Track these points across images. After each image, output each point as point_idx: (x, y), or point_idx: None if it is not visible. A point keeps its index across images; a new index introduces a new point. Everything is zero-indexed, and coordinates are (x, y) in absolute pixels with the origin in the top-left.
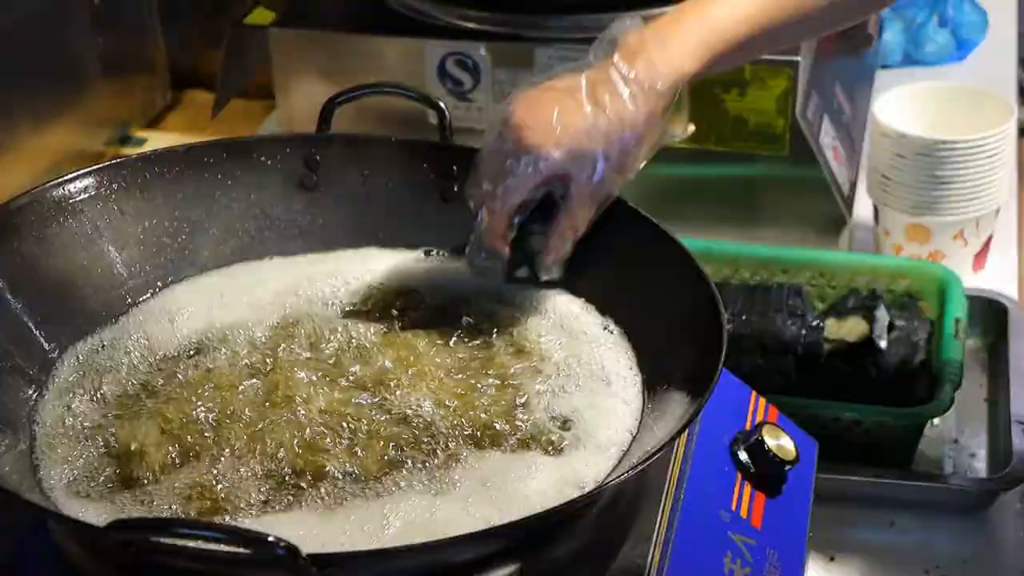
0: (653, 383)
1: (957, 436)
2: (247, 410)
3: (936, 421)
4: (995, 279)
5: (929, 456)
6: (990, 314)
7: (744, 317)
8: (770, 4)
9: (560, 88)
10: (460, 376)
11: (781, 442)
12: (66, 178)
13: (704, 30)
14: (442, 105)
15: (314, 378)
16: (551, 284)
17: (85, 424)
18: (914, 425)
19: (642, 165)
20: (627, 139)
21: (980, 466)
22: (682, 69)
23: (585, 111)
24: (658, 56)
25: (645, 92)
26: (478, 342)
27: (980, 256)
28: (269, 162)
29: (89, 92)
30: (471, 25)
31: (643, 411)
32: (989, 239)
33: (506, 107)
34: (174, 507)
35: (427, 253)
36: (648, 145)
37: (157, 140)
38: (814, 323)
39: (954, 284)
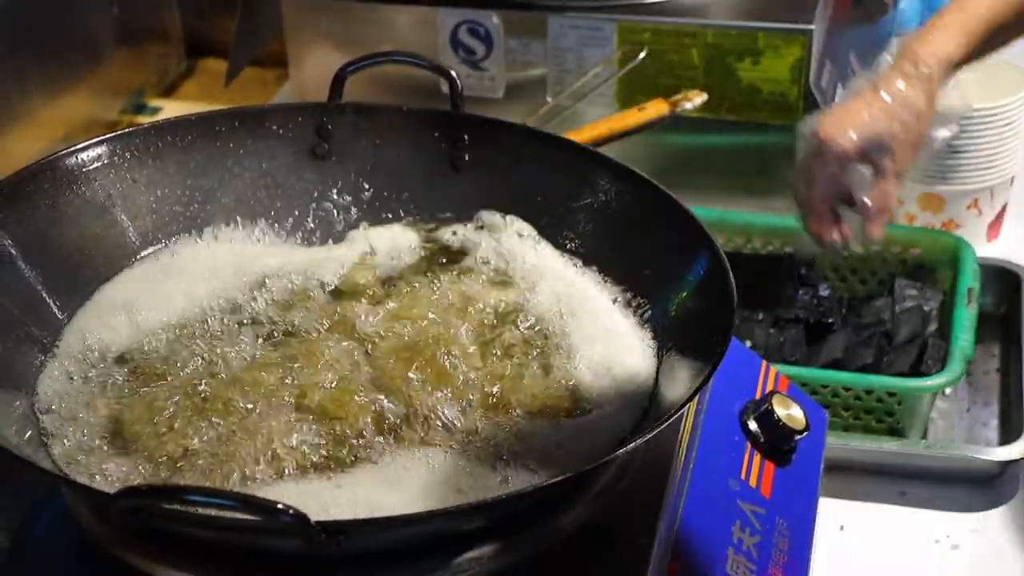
0: (663, 352)
1: (969, 406)
2: (257, 376)
3: (948, 391)
4: (1009, 248)
5: (940, 426)
6: (1003, 283)
7: (756, 286)
8: None
9: (847, 95)
10: (474, 342)
11: (791, 411)
12: (79, 147)
13: (961, 18)
14: (453, 74)
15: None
16: (564, 252)
17: (97, 391)
18: (925, 395)
19: (933, 143)
20: (909, 117)
21: (992, 435)
22: (944, 53)
23: (868, 102)
24: (921, 49)
25: (916, 78)
26: (488, 308)
27: (994, 225)
28: (281, 131)
29: (104, 61)
30: None
31: (654, 379)
32: (1003, 208)
33: (810, 121)
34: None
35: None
36: (929, 121)
37: (172, 109)
38: (825, 293)
39: (967, 253)
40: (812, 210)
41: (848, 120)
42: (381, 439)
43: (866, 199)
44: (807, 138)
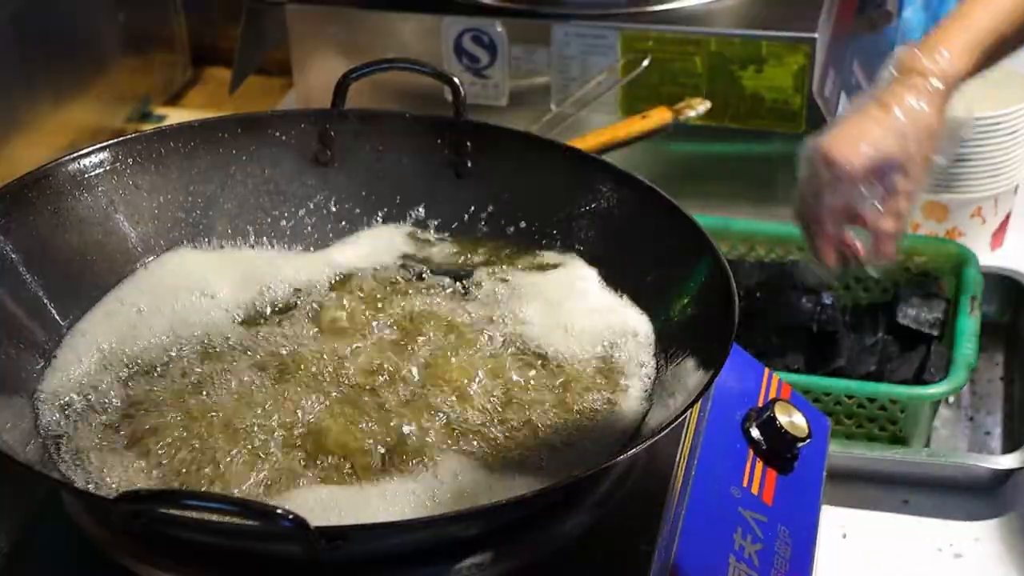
0: (666, 359)
1: (972, 414)
2: (255, 386)
3: (951, 399)
4: (1013, 257)
5: (944, 434)
6: (1007, 291)
7: (759, 294)
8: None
9: (852, 112)
10: (477, 344)
11: (793, 419)
12: (81, 153)
13: (967, 32)
14: (456, 81)
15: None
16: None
17: (98, 397)
18: (929, 403)
19: (940, 159)
20: (920, 133)
21: (995, 444)
22: (952, 67)
23: (877, 119)
24: (929, 62)
25: (927, 92)
26: (489, 312)
27: (998, 234)
28: (284, 137)
29: (110, 69)
30: (488, 1)
31: (656, 386)
32: (1007, 217)
33: (815, 141)
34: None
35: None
36: (939, 138)
37: (177, 117)
38: (828, 301)
39: (970, 261)
40: (820, 233)
41: (858, 138)
42: (385, 451)
43: (879, 220)
44: (813, 158)
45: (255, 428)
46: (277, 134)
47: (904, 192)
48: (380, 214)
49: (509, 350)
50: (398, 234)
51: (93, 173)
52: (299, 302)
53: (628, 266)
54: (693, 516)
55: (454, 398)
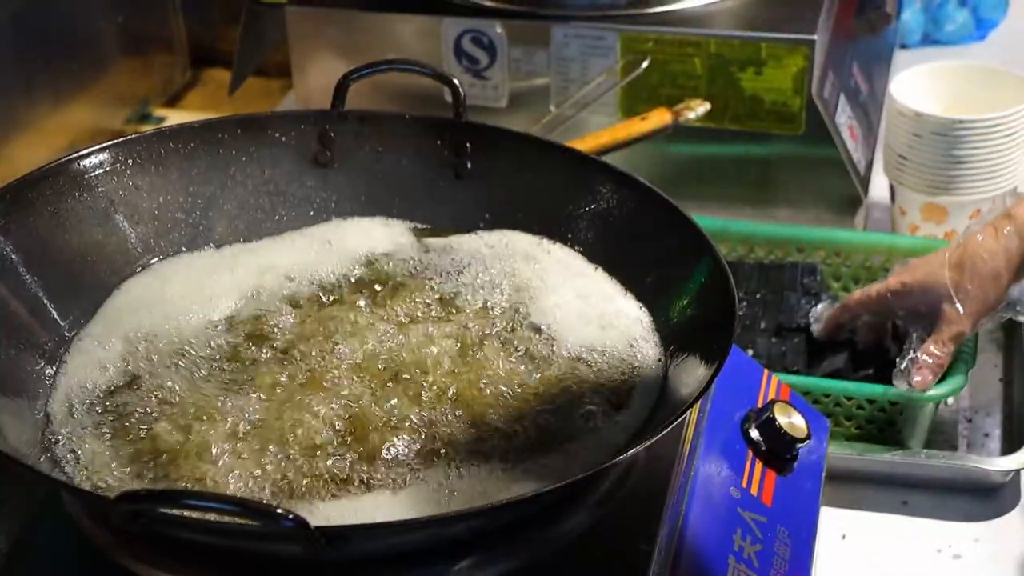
0: (665, 359)
1: (971, 415)
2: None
3: (950, 400)
4: None
5: (943, 435)
6: None
7: (758, 296)
8: None
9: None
10: (486, 352)
11: (792, 420)
12: (81, 153)
13: None
14: (456, 82)
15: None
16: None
17: (100, 397)
18: (928, 405)
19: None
20: (982, 271)
21: (994, 446)
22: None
23: (942, 254)
24: (1013, 208)
25: (1005, 236)
26: (488, 311)
27: None
28: (283, 138)
29: (109, 70)
30: (487, 3)
31: (657, 386)
32: None
33: None
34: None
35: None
36: (1005, 284)
37: (176, 118)
38: (828, 302)
39: None
40: (839, 308)
41: (921, 264)
42: (385, 451)
43: (921, 345)
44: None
45: (266, 428)
46: (277, 135)
47: (952, 322)
48: (380, 215)
49: (508, 348)
50: (398, 234)
51: (93, 173)
52: (301, 301)
53: (628, 267)
54: (693, 517)
55: (455, 396)
